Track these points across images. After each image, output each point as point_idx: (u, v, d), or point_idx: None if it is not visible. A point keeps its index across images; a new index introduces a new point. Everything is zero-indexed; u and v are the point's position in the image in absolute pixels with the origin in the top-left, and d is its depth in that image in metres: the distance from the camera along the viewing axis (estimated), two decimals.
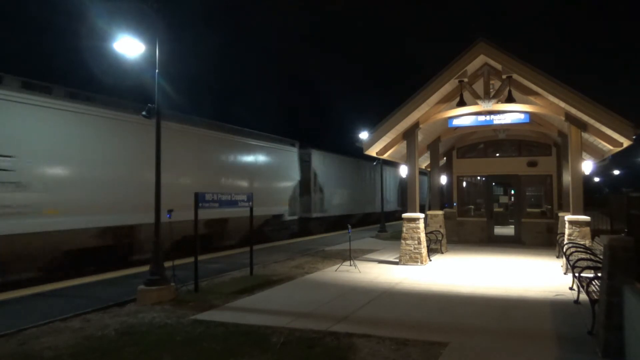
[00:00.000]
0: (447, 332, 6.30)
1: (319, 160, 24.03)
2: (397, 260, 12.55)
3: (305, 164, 22.78)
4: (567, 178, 12.66)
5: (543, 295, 8.53)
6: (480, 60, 11.42)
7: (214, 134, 16.56)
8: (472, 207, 18.44)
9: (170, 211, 9.37)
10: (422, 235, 12.39)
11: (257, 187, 17.93)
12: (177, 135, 14.28)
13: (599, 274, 6.35)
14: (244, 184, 17.69)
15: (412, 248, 12.21)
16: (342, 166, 27.33)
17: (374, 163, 25.45)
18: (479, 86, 11.81)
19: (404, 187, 35.70)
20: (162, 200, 8.74)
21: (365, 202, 31.00)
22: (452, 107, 12.22)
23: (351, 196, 28.43)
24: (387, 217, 33.81)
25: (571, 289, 8.75)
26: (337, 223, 25.91)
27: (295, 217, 21.50)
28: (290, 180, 21.09)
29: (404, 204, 35.14)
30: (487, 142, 17.56)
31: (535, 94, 11.17)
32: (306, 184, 22.75)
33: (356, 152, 28.37)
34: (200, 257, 9.32)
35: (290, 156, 21.34)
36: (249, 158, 18.36)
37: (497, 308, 7.65)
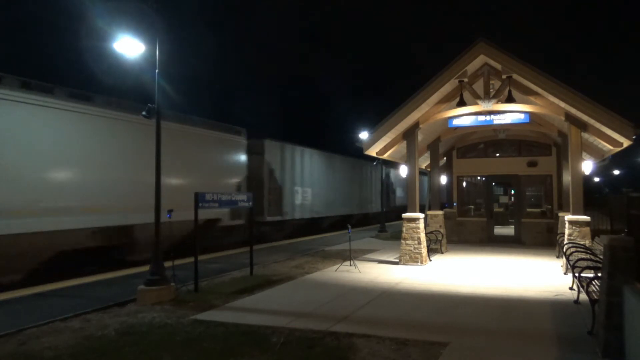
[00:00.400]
0: (447, 332, 6.30)
1: (275, 153, 19.87)
2: (397, 260, 12.55)
3: (256, 157, 18.67)
4: (567, 178, 12.66)
5: (543, 295, 8.53)
6: (480, 60, 11.42)
7: (107, 113, 12.27)
8: (472, 207, 18.44)
9: (170, 211, 9.35)
10: (422, 235, 12.39)
11: (180, 184, 13.95)
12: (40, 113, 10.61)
13: (599, 274, 6.36)
14: (151, 179, 10.41)
15: (412, 248, 12.21)
16: (308, 161, 23.08)
17: (374, 163, 24.81)
18: (479, 86, 11.81)
19: (390, 186, 33.33)
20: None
21: (340, 203, 26.70)
22: (452, 107, 12.22)
23: (322, 196, 24.30)
24: (368, 220, 30.42)
25: (571, 289, 8.75)
26: (304, 228, 22.63)
27: (241, 222, 17.32)
28: (233, 176, 17.35)
29: (390, 205, 32.96)
30: (487, 142, 17.57)
31: (535, 94, 11.17)
32: (257, 181, 18.63)
33: (331, 146, 27.17)
34: (200, 257, 9.31)
35: (234, 147, 17.35)
36: (170, 147, 12.22)
37: (497, 308, 7.65)
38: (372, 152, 13.12)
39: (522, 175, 16.98)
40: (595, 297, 6.13)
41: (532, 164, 16.83)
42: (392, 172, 32.84)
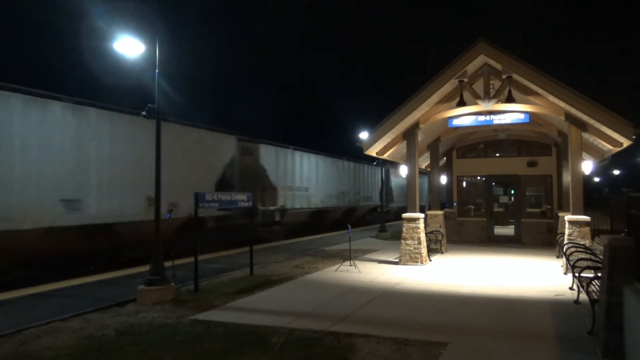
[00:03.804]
0: (447, 332, 6.30)
1: (390, 172, 34.41)
2: (397, 260, 12.55)
3: (386, 176, 31.56)
4: (567, 178, 12.66)
5: (543, 295, 8.53)
6: (481, 60, 11.42)
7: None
8: (472, 207, 18.44)
9: (170, 211, 9.36)
10: (422, 235, 12.39)
11: (355, 190, 30.35)
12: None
13: (599, 274, 6.36)
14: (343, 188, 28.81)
15: (412, 248, 12.21)
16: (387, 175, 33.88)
17: (373, 162, 24.69)
18: (479, 86, 11.81)
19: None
20: None
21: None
22: (452, 107, 12.22)
23: (396, 193, 35.93)
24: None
25: (571, 289, 8.75)
26: (401, 210, 28.60)
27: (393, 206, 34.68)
28: (376, 185, 33.28)
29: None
30: (487, 142, 17.56)
31: (535, 94, 11.17)
32: (386, 187, 32.68)
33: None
34: (200, 257, 9.32)
35: (377, 172, 32.68)
36: (359, 175, 31.40)
37: (497, 308, 7.65)
38: (372, 152, 13.11)
39: (522, 175, 16.97)
40: (595, 297, 6.13)
41: (532, 164, 16.83)
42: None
